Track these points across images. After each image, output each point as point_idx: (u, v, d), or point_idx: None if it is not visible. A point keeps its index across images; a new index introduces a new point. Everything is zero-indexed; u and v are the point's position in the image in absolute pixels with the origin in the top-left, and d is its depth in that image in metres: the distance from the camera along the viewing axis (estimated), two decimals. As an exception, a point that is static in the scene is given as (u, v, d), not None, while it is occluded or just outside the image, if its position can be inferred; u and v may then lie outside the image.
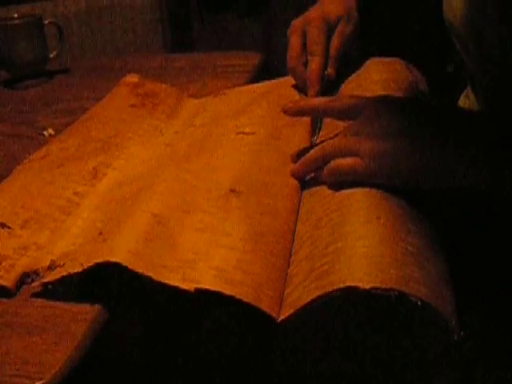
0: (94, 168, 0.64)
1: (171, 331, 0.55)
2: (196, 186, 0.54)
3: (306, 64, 0.71)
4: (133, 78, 0.83)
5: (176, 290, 0.43)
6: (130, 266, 0.43)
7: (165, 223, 0.49)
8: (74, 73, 1.07)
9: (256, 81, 0.96)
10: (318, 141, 0.62)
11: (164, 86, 0.83)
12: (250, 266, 0.45)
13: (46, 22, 1.02)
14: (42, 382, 0.40)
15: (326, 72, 0.71)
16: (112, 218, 0.53)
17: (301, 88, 0.71)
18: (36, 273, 0.51)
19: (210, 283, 0.43)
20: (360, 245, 0.43)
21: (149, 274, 0.43)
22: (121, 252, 0.44)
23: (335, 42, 0.72)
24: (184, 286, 0.43)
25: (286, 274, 0.48)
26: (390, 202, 0.47)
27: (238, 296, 0.42)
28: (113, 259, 0.44)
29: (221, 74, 0.96)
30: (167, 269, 0.45)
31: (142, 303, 0.50)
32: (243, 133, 0.61)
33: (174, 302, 0.48)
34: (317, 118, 0.66)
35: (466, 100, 0.73)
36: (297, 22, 0.74)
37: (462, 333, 0.40)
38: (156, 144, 0.68)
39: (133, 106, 0.76)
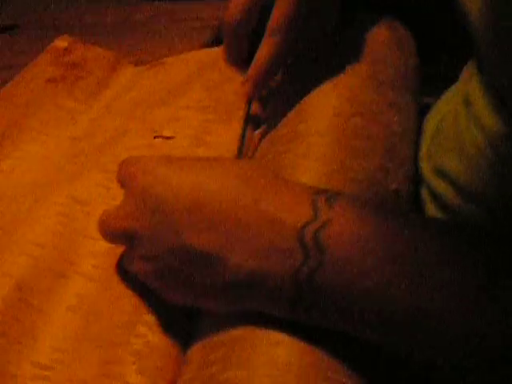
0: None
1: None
2: (81, 228, 0.43)
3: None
4: (61, 42, 0.68)
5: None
6: None
7: (29, 298, 0.37)
8: (21, 30, 0.92)
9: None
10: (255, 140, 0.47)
11: (99, 50, 0.68)
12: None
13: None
14: None
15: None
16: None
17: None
18: None
19: None
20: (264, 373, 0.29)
21: None
22: None
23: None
24: None
25: None
26: None
27: None
28: None
29: (182, 29, 0.81)
30: (18, 380, 0.34)
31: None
32: (161, 137, 0.49)
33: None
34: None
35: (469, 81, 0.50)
36: None
37: None
38: (60, 137, 0.54)
39: (49, 80, 0.62)
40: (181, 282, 0.34)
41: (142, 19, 0.88)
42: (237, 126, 0.48)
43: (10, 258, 0.39)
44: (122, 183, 0.38)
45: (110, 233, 0.38)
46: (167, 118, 0.50)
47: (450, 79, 0.57)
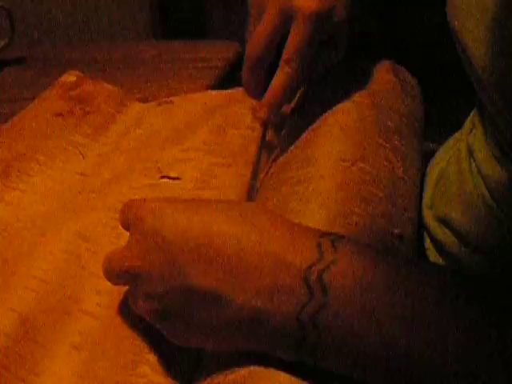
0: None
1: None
2: (86, 266, 0.43)
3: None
4: (70, 77, 0.69)
5: None
6: None
7: (33, 334, 0.37)
8: (28, 63, 0.93)
9: (230, 76, 0.84)
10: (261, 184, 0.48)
11: (107, 86, 0.69)
12: None
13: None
14: None
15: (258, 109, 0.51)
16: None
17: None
18: None
19: None
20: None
21: None
22: None
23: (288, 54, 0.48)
24: None
25: None
26: None
27: None
28: None
29: (186, 69, 0.83)
30: None
31: None
32: (168, 177, 0.49)
33: None
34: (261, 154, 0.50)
35: (473, 131, 0.51)
36: None
37: None
38: (67, 171, 0.54)
39: (58, 114, 0.62)
40: (185, 322, 0.34)
41: (149, 57, 0.89)
42: (243, 171, 0.48)
43: (14, 292, 0.39)
44: (127, 225, 0.38)
45: (115, 273, 0.38)
46: (173, 159, 0.50)
47: (455, 124, 0.58)
